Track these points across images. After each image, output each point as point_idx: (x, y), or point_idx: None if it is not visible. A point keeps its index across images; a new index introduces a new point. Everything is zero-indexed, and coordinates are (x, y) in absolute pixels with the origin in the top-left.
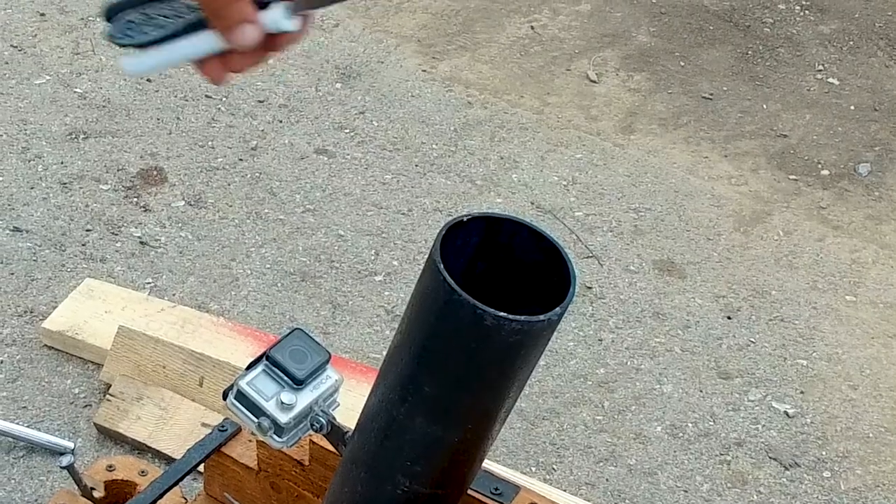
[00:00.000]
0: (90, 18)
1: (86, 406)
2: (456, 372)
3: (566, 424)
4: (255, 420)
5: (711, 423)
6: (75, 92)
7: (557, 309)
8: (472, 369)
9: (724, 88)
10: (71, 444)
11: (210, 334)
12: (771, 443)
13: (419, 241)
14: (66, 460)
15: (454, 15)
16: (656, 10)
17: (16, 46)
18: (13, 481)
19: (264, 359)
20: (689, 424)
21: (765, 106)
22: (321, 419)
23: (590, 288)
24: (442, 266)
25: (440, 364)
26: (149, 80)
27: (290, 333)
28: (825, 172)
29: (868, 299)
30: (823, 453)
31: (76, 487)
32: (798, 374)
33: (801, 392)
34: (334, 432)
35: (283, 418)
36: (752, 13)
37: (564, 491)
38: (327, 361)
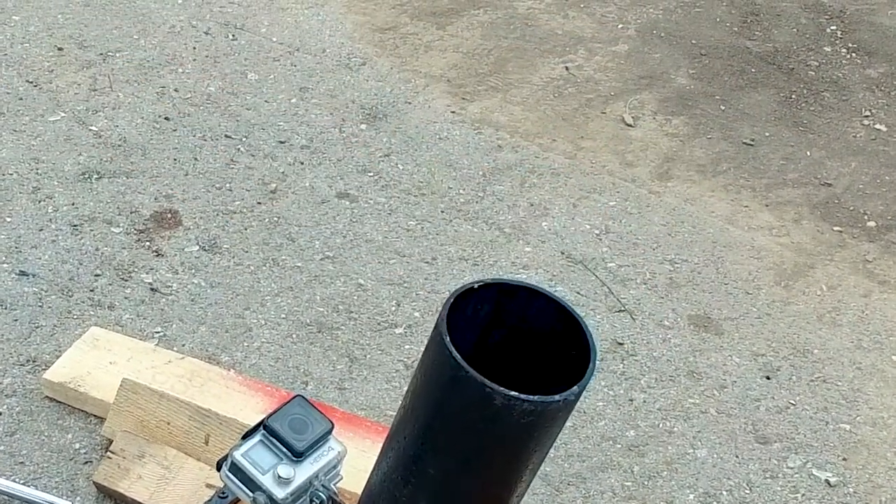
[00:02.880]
0: (109, 53)
1: (86, 462)
2: (463, 454)
3: (593, 491)
4: (251, 495)
5: (748, 492)
6: (90, 130)
7: (575, 388)
8: (480, 452)
9: (767, 134)
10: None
11: (219, 389)
12: None
13: (443, 292)
14: None
15: (486, 54)
16: (696, 51)
17: (31, 82)
18: None
19: (262, 428)
20: (724, 493)
21: (808, 153)
22: (321, 494)
23: (621, 344)
24: (448, 339)
25: (446, 445)
26: (167, 119)
27: (290, 401)
28: (871, 224)
29: None
30: None
31: None
32: (840, 439)
33: (844, 459)
34: None
35: (281, 494)
36: (797, 55)
37: None
38: (329, 432)
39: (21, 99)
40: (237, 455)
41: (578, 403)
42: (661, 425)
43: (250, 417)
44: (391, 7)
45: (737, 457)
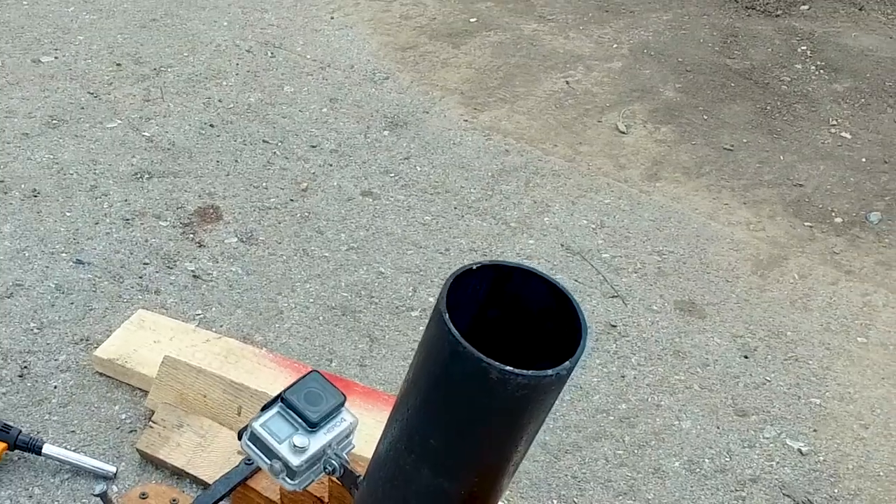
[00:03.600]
0: (162, 68)
1: (131, 431)
2: (461, 425)
3: (588, 458)
4: (268, 462)
5: (728, 460)
6: (143, 135)
7: (567, 363)
8: (477, 423)
9: (744, 140)
10: (113, 469)
11: (251, 365)
12: (785, 480)
13: None
14: (98, 488)
15: (496, 70)
16: (682, 67)
17: (92, 93)
18: (57, 503)
19: (279, 400)
20: (706, 460)
21: (782, 157)
22: (334, 462)
23: (614, 326)
24: (447, 316)
25: (445, 416)
26: (211, 126)
27: (306, 375)
28: (838, 220)
29: (879, 341)
30: (836, 491)
31: None
32: (811, 412)
33: (815, 430)
34: (347, 476)
35: (296, 461)
36: (771, 72)
37: None
38: (342, 404)
39: (83, 108)
40: (256, 425)
41: (575, 379)
42: (649, 399)
43: (279, 390)
44: (412, 29)
45: (718, 428)
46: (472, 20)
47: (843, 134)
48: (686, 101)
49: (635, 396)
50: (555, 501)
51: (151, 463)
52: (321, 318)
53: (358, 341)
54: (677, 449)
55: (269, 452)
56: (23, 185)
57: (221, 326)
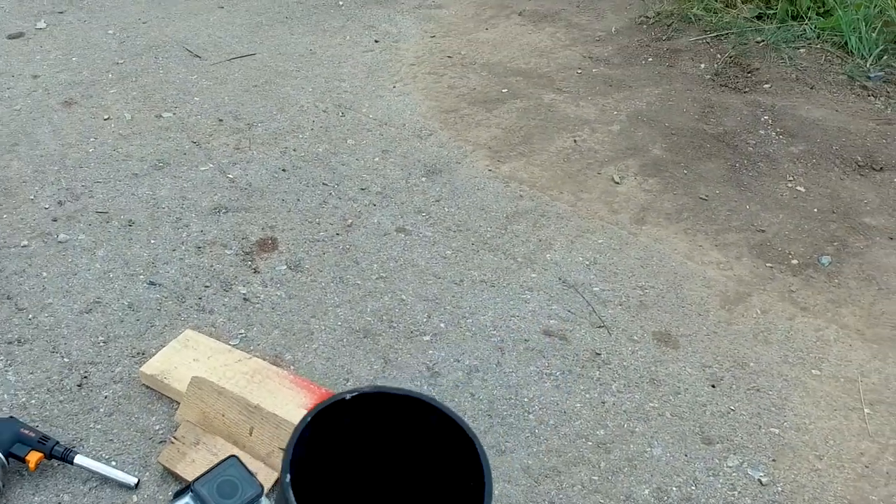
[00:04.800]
0: (253, 124)
1: (161, 442)
2: None
3: (565, 483)
4: None
5: (693, 488)
6: (228, 177)
7: None
8: None
9: (717, 192)
10: (135, 480)
11: (273, 385)
12: None
13: (464, 307)
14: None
15: (518, 130)
16: (668, 131)
17: (195, 142)
18: None
19: (189, 490)
20: (674, 489)
21: (748, 206)
22: None
23: (598, 354)
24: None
25: None
26: (283, 170)
27: (224, 461)
28: (794, 262)
29: (831, 374)
30: None
31: None
32: (771, 442)
33: (773, 460)
34: None
35: None
36: (740, 136)
37: None
38: (259, 496)
39: (184, 154)
40: None
41: (561, 404)
42: (625, 425)
43: (292, 412)
44: (456, 96)
45: (686, 455)
46: (503, 90)
47: (799, 188)
48: (670, 158)
49: (613, 422)
50: None
51: (172, 475)
52: (345, 339)
53: (374, 362)
54: (647, 476)
55: None
56: (122, 216)
57: (259, 345)
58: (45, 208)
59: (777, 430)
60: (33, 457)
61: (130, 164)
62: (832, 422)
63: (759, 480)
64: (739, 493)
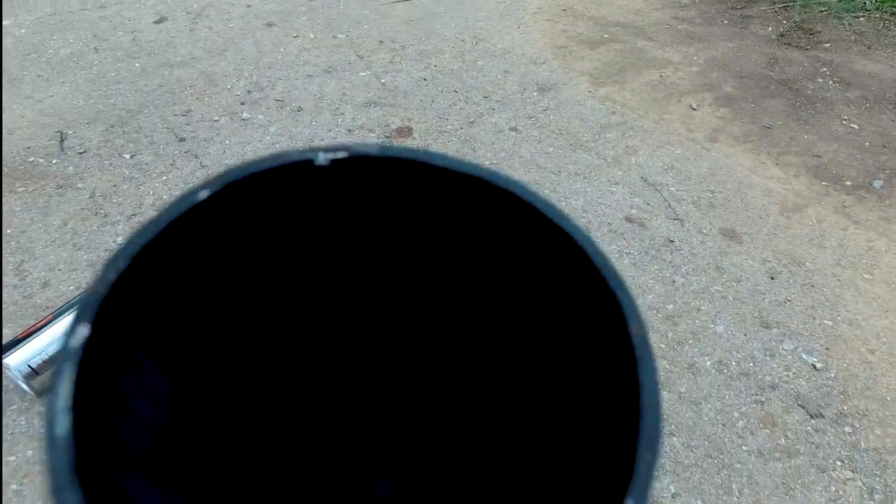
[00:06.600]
0: (406, 45)
1: None
2: None
3: None
4: None
5: (751, 365)
6: (380, 81)
7: None
8: None
9: (779, 123)
10: None
11: None
12: (800, 391)
13: (560, 193)
14: None
15: (615, 64)
16: (738, 75)
17: (359, 56)
18: None
19: None
20: (734, 363)
21: (805, 136)
22: None
23: (672, 241)
24: None
25: None
26: (424, 80)
27: None
28: (848, 183)
29: (882, 279)
30: (845, 408)
31: None
32: (824, 332)
33: (827, 349)
34: None
35: None
36: (800, 82)
37: None
38: None
39: (349, 63)
40: None
41: (636, 279)
42: (692, 303)
43: None
44: (566, 38)
45: (745, 335)
46: (605, 36)
47: (853, 125)
48: (739, 95)
49: (681, 300)
50: None
51: None
52: None
53: None
54: (710, 349)
55: None
56: (293, 104)
57: None
58: (237, 95)
59: (830, 323)
60: None
61: (307, 69)
62: (884, 321)
63: (813, 365)
64: (794, 374)
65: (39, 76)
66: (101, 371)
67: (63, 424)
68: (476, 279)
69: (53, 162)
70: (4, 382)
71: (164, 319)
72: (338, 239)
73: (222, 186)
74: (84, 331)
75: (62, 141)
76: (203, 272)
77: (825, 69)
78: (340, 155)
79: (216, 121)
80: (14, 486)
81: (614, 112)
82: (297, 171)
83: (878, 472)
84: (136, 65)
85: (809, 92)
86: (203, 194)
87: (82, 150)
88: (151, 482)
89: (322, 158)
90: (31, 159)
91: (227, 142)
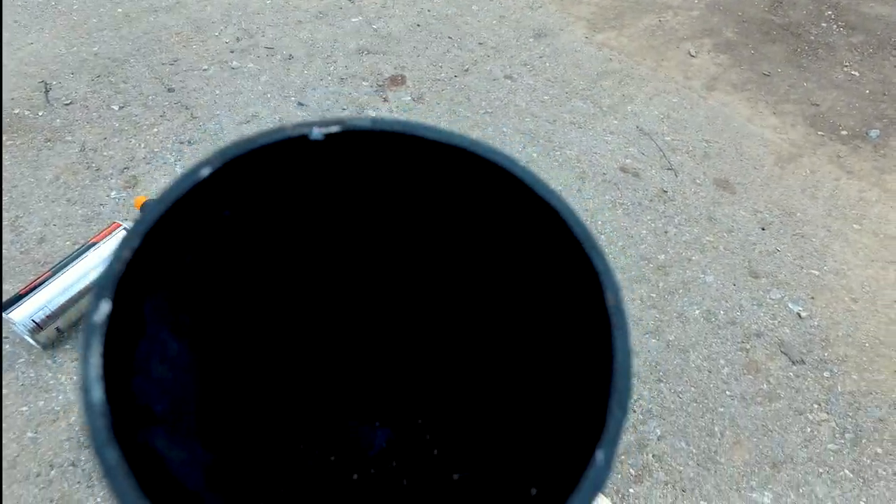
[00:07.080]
0: None
1: None
2: None
3: (627, 298)
4: None
5: (738, 314)
6: (373, 27)
7: None
8: None
9: (778, 70)
10: None
11: None
12: (784, 339)
13: (555, 142)
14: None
15: (613, 9)
16: (740, 19)
17: (351, 1)
18: None
19: None
20: (721, 312)
21: (805, 84)
22: None
23: (665, 192)
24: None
25: None
26: (418, 26)
27: None
28: (844, 133)
29: (870, 230)
30: (826, 354)
31: None
32: (811, 281)
33: (812, 297)
34: None
35: None
36: (803, 27)
37: None
38: None
39: (341, 9)
40: None
41: (629, 229)
42: (683, 254)
43: None
44: None
45: (734, 285)
46: None
47: (853, 72)
48: (739, 41)
49: (673, 250)
50: None
51: None
52: None
53: None
54: (699, 299)
55: None
56: (284, 51)
57: None
58: (225, 42)
59: (817, 273)
60: None
61: (297, 14)
62: (868, 271)
63: (798, 314)
64: (779, 322)
65: (16, 21)
66: (124, 341)
67: (97, 392)
68: (465, 243)
69: (40, 114)
70: (10, 337)
71: (176, 290)
72: (335, 207)
73: (222, 164)
74: (106, 307)
75: (47, 92)
76: (209, 244)
77: (830, 12)
78: (334, 129)
79: (205, 70)
80: (30, 434)
81: (611, 59)
82: (293, 146)
83: (850, 414)
84: (119, 10)
85: (812, 37)
86: (205, 171)
87: (68, 102)
88: (173, 438)
89: (317, 133)
90: (16, 111)
91: (217, 91)
